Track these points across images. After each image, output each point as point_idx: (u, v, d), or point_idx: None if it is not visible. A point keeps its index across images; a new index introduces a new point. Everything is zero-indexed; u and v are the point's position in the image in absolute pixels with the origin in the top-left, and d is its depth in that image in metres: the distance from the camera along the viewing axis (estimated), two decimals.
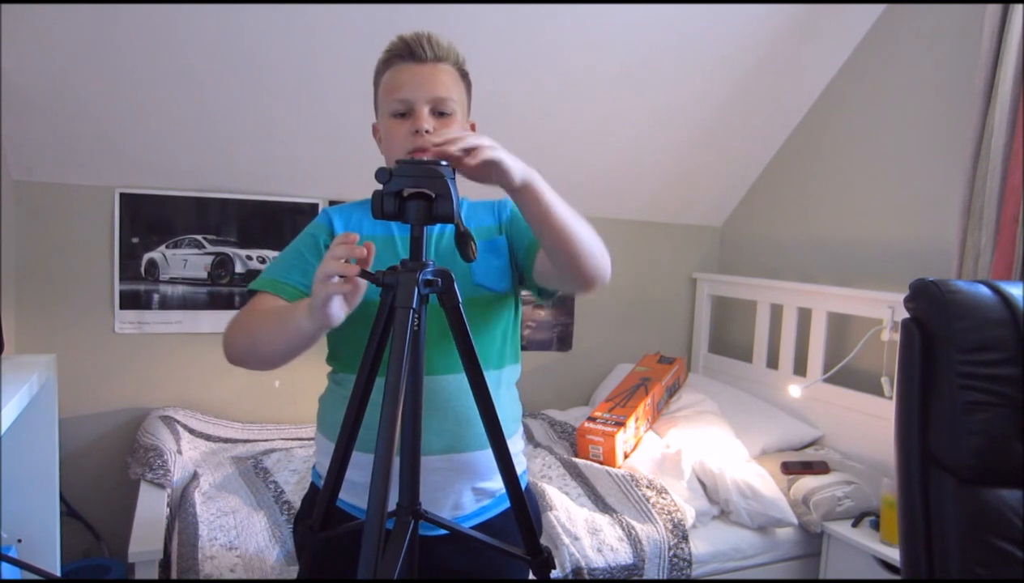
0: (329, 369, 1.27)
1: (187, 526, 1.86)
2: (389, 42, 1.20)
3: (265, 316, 1.10)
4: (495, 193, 1.26)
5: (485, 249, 1.23)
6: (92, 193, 2.45)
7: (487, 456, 1.14)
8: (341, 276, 0.89)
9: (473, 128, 1.26)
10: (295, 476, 2.17)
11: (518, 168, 0.98)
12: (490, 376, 1.11)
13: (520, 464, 1.27)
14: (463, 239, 0.96)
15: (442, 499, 1.16)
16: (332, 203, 2.74)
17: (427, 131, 1.13)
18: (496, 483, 1.20)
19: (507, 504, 1.21)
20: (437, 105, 1.15)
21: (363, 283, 0.93)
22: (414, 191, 0.92)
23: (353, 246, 0.90)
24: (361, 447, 1.04)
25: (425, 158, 0.94)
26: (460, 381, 1.12)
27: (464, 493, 1.18)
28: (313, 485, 1.28)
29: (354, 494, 1.17)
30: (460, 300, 0.96)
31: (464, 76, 1.23)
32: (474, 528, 1.16)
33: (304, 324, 0.97)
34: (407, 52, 1.16)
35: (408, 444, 0.97)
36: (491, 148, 0.93)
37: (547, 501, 2.04)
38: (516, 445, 1.25)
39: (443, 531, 1.13)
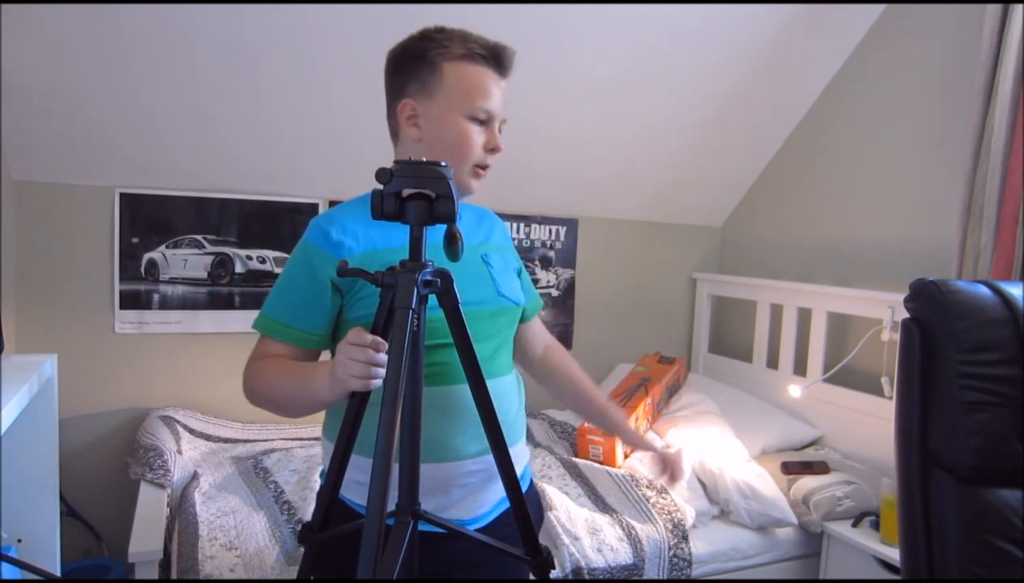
0: None
1: (187, 526, 1.86)
2: (441, 28, 1.18)
3: (282, 376, 1.10)
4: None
5: (502, 264, 1.27)
6: (92, 193, 2.45)
7: (515, 452, 1.17)
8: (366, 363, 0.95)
9: None
10: (295, 476, 2.17)
11: None
12: (508, 380, 1.21)
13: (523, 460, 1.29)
14: (452, 239, 0.96)
15: (480, 499, 1.17)
16: (332, 203, 2.74)
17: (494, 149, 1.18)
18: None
19: (506, 505, 1.23)
20: (501, 125, 1.20)
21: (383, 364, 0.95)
22: (414, 191, 0.92)
23: (369, 352, 0.93)
24: (364, 451, 1.04)
25: (424, 160, 0.94)
26: (494, 385, 1.16)
27: (489, 492, 1.19)
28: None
29: (362, 496, 1.17)
30: (459, 301, 0.96)
31: None
32: (497, 518, 1.20)
33: (325, 396, 1.02)
34: (494, 61, 1.17)
35: (407, 445, 0.97)
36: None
37: (547, 501, 2.04)
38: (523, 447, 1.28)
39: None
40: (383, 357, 0.94)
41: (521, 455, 1.25)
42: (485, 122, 1.16)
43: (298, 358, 1.15)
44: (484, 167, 1.18)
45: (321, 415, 1.30)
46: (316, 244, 1.13)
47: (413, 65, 1.17)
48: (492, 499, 1.20)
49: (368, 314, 1.12)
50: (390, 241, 1.15)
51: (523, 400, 1.28)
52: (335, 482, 1.00)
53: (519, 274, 1.34)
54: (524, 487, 1.26)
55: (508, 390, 1.20)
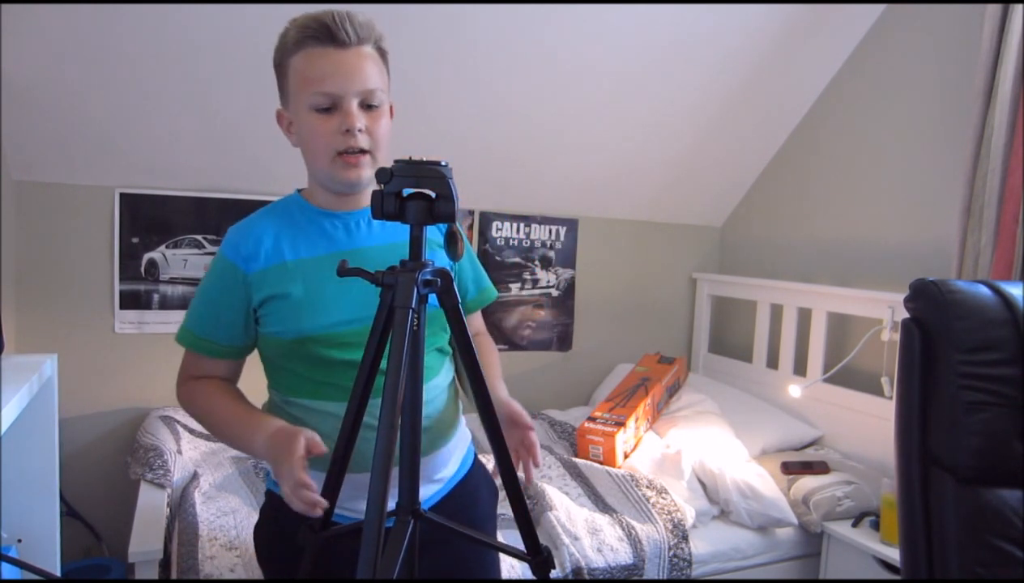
0: (268, 384, 1.21)
1: (187, 526, 1.86)
2: (294, 18, 1.08)
3: (219, 417, 1.14)
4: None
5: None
6: (92, 193, 2.45)
7: (444, 453, 1.19)
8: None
9: (392, 111, 1.17)
10: None
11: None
12: (438, 382, 1.18)
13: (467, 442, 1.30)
14: (452, 239, 0.96)
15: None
16: None
17: (360, 130, 1.05)
18: (447, 471, 1.22)
19: (459, 477, 1.25)
20: (366, 98, 1.06)
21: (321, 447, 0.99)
22: (414, 191, 0.92)
23: (310, 501, 0.93)
24: (350, 468, 1.02)
25: (426, 159, 0.94)
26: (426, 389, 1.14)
27: (426, 487, 1.17)
28: (273, 493, 1.20)
29: (343, 508, 1.16)
30: (459, 300, 0.97)
31: (383, 55, 1.13)
32: (436, 503, 1.20)
33: (262, 456, 1.05)
34: (326, 35, 1.04)
35: (407, 444, 0.97)
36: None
37: (547, 501, 2.04)
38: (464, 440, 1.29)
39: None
40: (318, 503, 0.95)
41: (461, 443, 1.26)
42: (332, 108, 1.05)
43: (228, 369, 1.19)
44: (354, 152, 1.06)
45: None
46: (227, 257, 1.12)
47: (276, 74, 1.12)
48: (427, 494, 1.17)
49: (277, 331, 1.10)
50: (299, 252, 1.11)
51: (452, 397, 1.24)
52: (336, 481, 1.00)
53: (461, 270, 1.26)
54: (467, 466, 1.28)
55: (438, 393, 1.18)
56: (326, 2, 2.07)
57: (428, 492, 1.19)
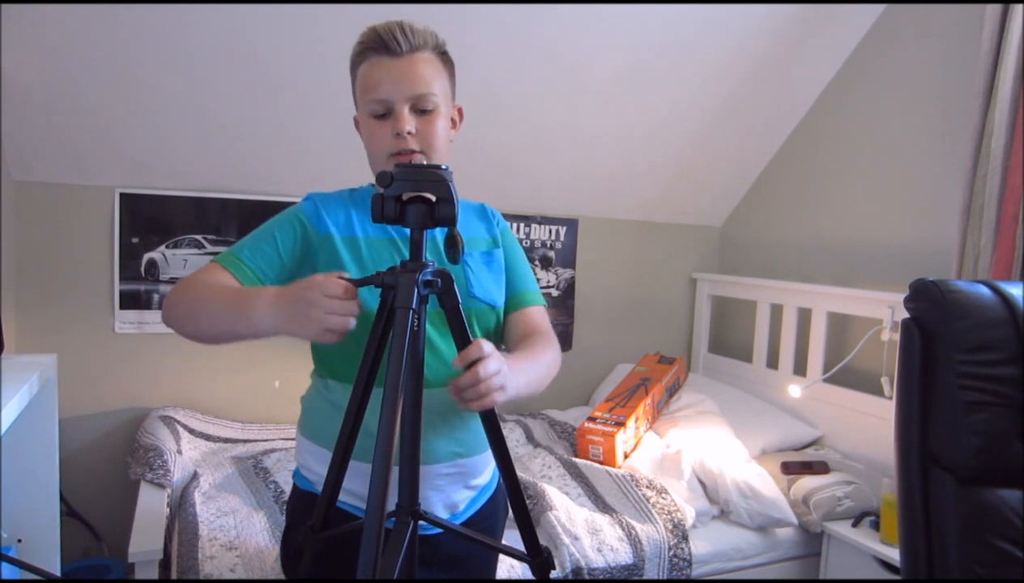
0: (312, 370, 1.24)
1: (187, 526, 1.86)
2: (361, 32, 1.15)
3: (216, 292, 1.04)
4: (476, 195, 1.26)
5: (482, 260, 1.22)
6: (92, 193, 2.45)
7: (484, 458, 1.20)
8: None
9: (460, 113, 1.23)
10: None
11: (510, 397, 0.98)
12: None
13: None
14: (452, 241, 0.96)
15: (443, 501, 1.17)
16: None
17: (409, 133, 1.10)
18: (482, 479, 1.23)
19: (489, 493, 1.26)
20: (417, 102, 1.11)
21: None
22: (414, 194, 0.92)
23: (347, 300, 0.88)
24: (357, 456, 1.02)
25: (424, 162, 0.94)
26: None
27: (461, 493, 1.20)
28: (299, 489, 1.23)
29: (357, 498, 1.17)
30: (460, 301, 0.96)
31: (445, 60, 1.18)
32: (466, 520, 1.21)
33: (261, 325, 0.96)
34: (381, 45, 1.11)
35: (408, 445, 0.97)
36: (500, 390, 0.94)
37: (547, 501, 2.04)
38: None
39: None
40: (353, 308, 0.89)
41: (490, 459, 1.25)
42: (386, 114, 1.11)
43: None
44: (405, 153, 1.12)
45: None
46: (303, 209, 1.18)
47: (351, 84, 1.19)
48: (463, 500, 1.20)
49: None
50: (366, 231, 1.18)
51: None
52: (335, 482, 1.00)
53: (510, 268, 1.27)
54: (493, 488, 1.29)
55: None
56: (323, 2, 2.07)
57: (462, 498, 1.19)
